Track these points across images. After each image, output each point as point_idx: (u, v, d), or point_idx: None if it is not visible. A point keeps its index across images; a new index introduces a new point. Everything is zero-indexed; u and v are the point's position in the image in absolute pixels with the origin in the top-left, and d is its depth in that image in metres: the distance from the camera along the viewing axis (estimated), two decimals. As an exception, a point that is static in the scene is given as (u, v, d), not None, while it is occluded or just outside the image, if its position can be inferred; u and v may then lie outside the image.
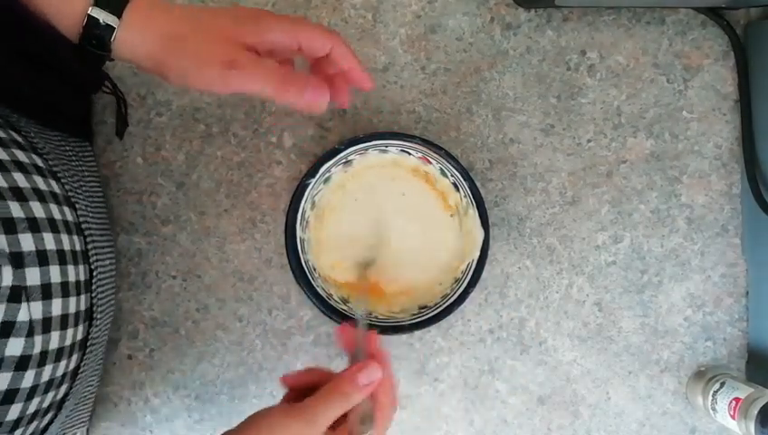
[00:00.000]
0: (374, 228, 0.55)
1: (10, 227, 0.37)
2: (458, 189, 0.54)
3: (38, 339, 0.39)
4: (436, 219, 0.56)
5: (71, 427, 0.50)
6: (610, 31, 0.58)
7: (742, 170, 0.59)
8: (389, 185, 0.55)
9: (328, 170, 0.53)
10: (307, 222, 0.53)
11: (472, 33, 0.58)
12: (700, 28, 0.59)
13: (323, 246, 0.55)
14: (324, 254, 0.54)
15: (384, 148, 0.53)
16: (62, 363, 0.42)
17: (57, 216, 0.42)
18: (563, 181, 0.59)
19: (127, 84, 0.56)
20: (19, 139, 0.43)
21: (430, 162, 0.54)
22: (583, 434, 0.59)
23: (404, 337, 0.58)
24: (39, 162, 0.43)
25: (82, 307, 0.44)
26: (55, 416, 0.43)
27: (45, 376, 0.40)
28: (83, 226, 0.46)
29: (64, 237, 0.42)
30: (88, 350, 0.46)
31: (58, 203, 0.43)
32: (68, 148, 0.50)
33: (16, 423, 0.39)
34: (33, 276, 0.38)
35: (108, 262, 0.51)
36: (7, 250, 0.37)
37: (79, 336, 0.44)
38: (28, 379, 0.38)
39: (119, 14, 0.39)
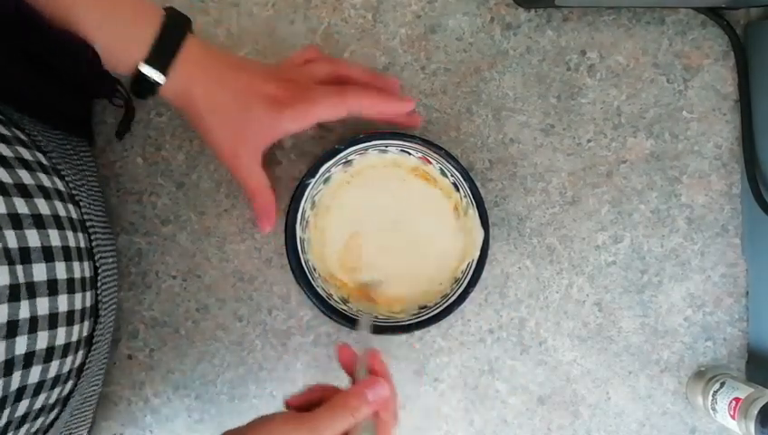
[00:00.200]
0: (374, 229, 0.55)
1: (16, 222, 0.38)
2: (458, 189, 0.54)
3: (44, 335, 0.39)
4: (436, 219, 0.56)
5: (76, 427, 0.50)
6: (610, 31, 0.58)
7: (742, 170, 0.59)
8: (389, 185, 0.55)
9: (328, 170, 0.53)
10: (307, 222, 0.53)
11: (472, 33, 0.58)
12: (700, 28, 0.59)
13: (323, 246, 0.55)
14: (325, 254, 0.55)
15: (384, 148, 0.53)
16: (69, 359, 0.42)
17: (62, 213, 0.42)
18: (563, 181, 0.59)
19: (127, 84, 0.56)
20: (22, 136, 0.43)
21: (430, 162, 0.54)
22: (583, 434, 0.59)
23: (404, 337, 0.58)
24: (43, 160, 0.43)
25: (88, 304, 0.44)
26: (60, 412, 0.44)
27: (52, 372, 0.40)
28: (87, 223, 0.46)
29: (69, 234, 0.43)
30: (93, 347, 0.46)
31: (62, 200, 0.43)
32: (69, 146, 0.50)
33: (23, 419, 0.39)
34: (39, 272, 0.39)
35: (111, 259, 0.51)
36: (9, 247, 0.37)
37: (85, 333, 0.44)
38: (35, 375, 0.39)
39: (165, 73, 0.44)
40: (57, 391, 0.42)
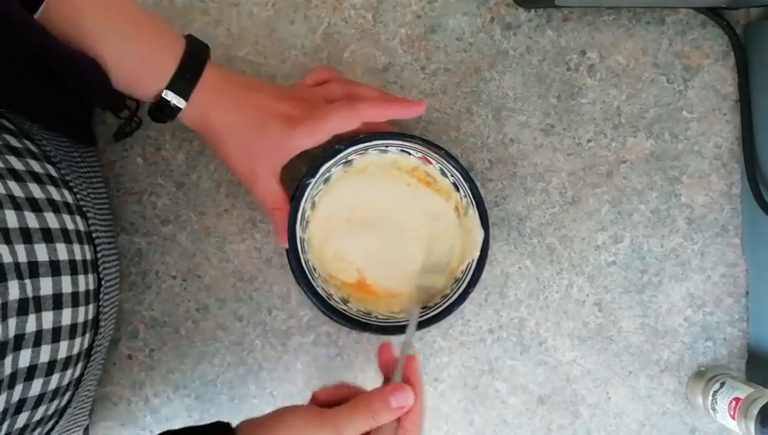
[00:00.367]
0: (374, 229, 0.55)
1: (26, 237, 0.38)
2: (458, 189, 0.54)
3: (47, 348, 0.39)
4: (436, 219, 0.56)
5: (66, 431, 0.50)
6: (610, 31, 0.58)
7: (742, 170, 0.59)
8: (389, 185, 0.55)
9: (328, 170, 0.53)
10: (307, 222, 0.53)
11: (472, 33, 0.58)
12: (700, 28, 0.59)
13: (322, 245, 0.55)
14: (324, 253, 0.55)
15: (384, 148, 0.53)
16: (69, 372, 0.42)
17: (70, 226, 0.43)
18: (563, 181, 0.59)
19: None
20: (33, 148, 0.43)
21: (430, 162, 0.54)
22: (583, 434, 0.59)
23: (404, 337, 0.58)
24: (52, 172, 0.44)
25: (90, 316, 0.45)
26: (57, 422, 0.44)
27: (52, 385, 0.41)
28: (93, 234, 0.47)
29: (76, 247, 0.43)
30: (92, 358, 0.46)
31: (71, 213, 0.44)
32: (76, 154, 0.51)
33: (22, 431, 0.39)
34: (46, 286, 0.39)
35: (113, 269, 0.51)
36: (19, 261, 0.37)
37: (85, 345, 0.44)
38: (36, 388, 0.39)
39: (186, 98, 0.46)
40: (56, 402, 0.42)
